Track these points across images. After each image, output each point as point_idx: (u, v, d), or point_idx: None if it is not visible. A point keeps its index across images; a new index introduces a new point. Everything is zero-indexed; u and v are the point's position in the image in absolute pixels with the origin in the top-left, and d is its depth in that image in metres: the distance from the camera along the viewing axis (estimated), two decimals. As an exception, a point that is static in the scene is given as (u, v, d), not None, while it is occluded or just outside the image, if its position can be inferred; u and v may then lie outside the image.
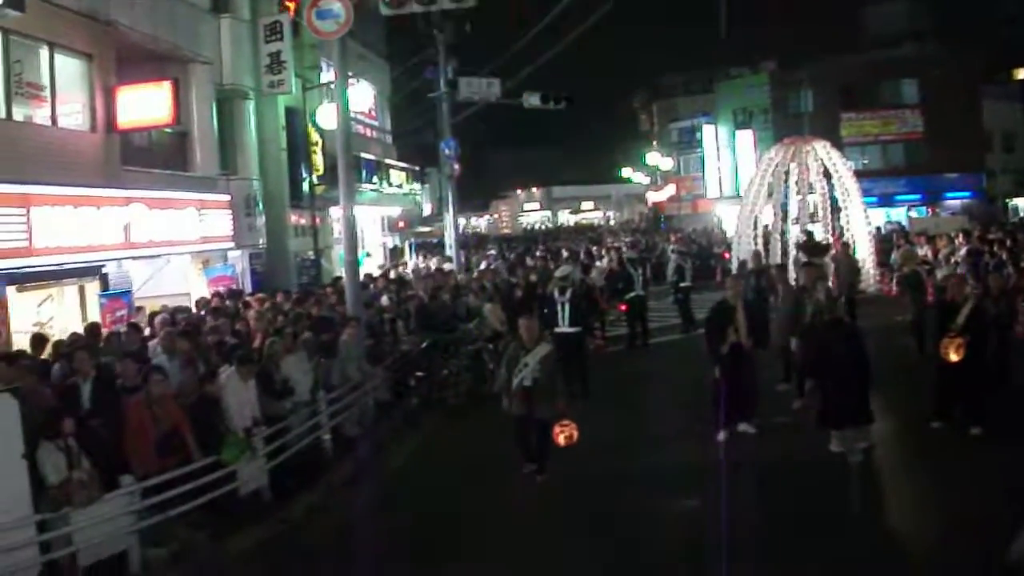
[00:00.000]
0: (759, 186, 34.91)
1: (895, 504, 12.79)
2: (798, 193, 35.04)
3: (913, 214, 60.92)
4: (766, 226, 35.51)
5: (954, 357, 14.73)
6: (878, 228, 42.60)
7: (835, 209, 34.85)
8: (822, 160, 34.10)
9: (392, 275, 30.58)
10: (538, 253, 42.90)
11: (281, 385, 15.30)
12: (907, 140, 65.24)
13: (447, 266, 34.30)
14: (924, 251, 31.76)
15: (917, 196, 64.15)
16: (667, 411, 18.17)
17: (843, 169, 34.72)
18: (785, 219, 35.60)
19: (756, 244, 34.18)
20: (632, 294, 26.99)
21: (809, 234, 33.24)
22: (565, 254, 38.10)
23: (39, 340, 16.56)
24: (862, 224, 34.38)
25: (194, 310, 20.84)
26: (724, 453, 14.34)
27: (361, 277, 23.13)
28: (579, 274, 26.25)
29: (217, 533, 12.51)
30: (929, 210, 62.25)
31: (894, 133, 65.34)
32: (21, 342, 17.57)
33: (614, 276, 28.75)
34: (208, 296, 22.91)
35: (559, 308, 20.98)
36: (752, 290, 21.02)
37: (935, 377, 15.42)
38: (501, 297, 24.88)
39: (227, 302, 21.40)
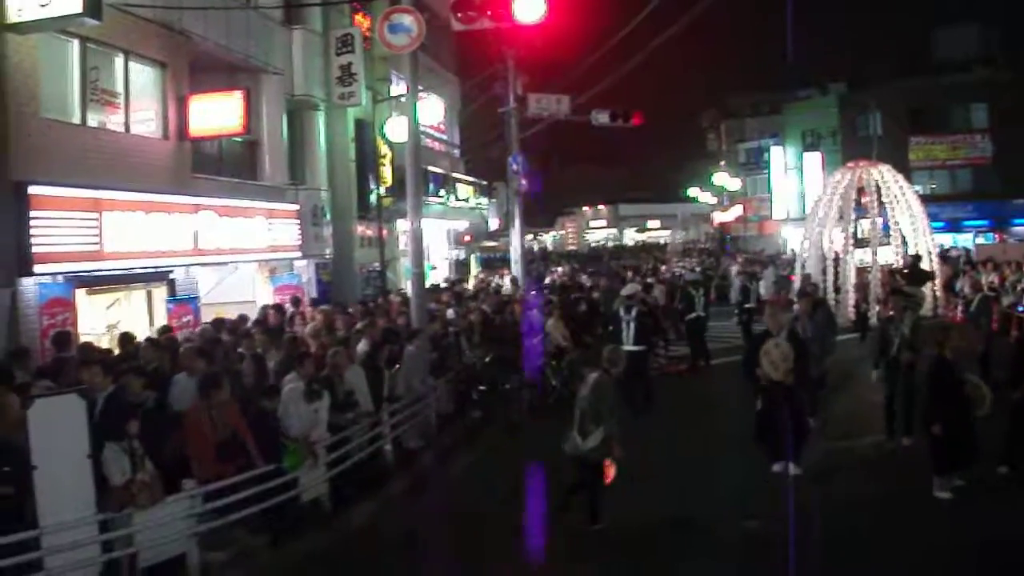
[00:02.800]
0: (825, 209, 34.59)
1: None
2: (863, 217, 34.76)
3: (980, 240, 60.25)
4: (837, 254, 35.06)
5: None
6: (945, 251, 42.06)
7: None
8: (889, 184, 33.75)
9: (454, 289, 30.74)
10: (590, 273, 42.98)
11: (344, 397, 15.32)
12: (975, 165, 64.55)
13: (506, 284, 34.42)
14: (990, 278, 31.33)
15: (985, 222, 63.55)
16: (721, 434, 17.58)
17: (910, 194, 34.37)
18: (859, 244, 35.32)
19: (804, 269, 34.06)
20: (692, 315, 26.92)
21: (916, 258, 32.84)
22: (630, 273, 37.96)
23: (126, 339, 16.83)
24: (928, 250, 33.93)
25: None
26: (778, 489, 13.80)
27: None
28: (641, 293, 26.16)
29: (276, 539, 12.61)
30: (997, 236, 61.54)
31: (962, 158, 64.79)
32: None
33: (674, 297, 28.83)
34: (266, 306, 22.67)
35: (624, 326, 21.03)
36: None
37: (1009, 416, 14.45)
38: (564, 313, 24.81)
39: (285, 312, 21.30)
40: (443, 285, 32.93)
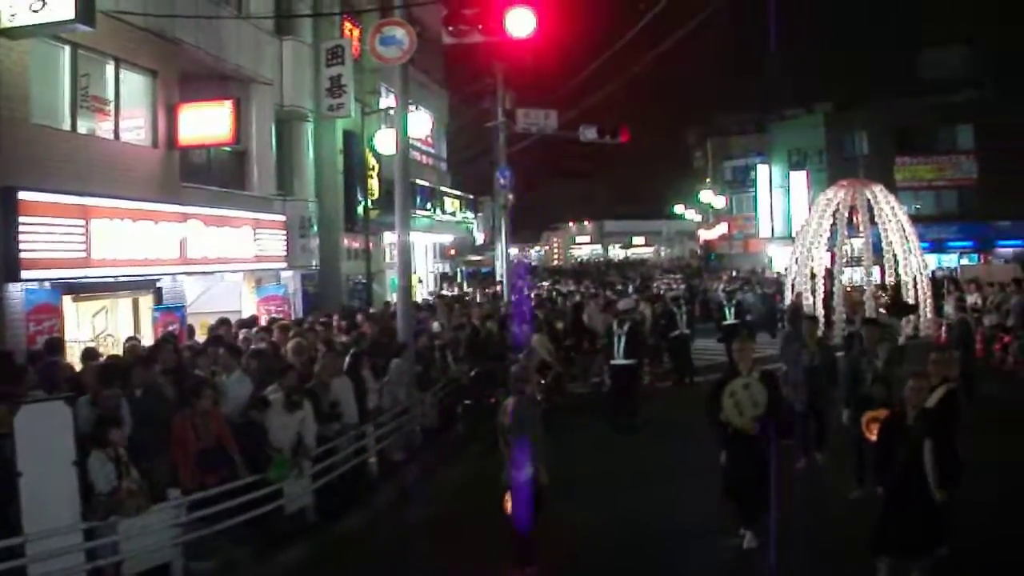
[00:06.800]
0: (816, 227, 34.57)
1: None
2: (855, 237, 34.87)
3: (965, 261, 60.40)
4: (827, 273, 34.88)
5: None
6: (933, 273, 42.10)
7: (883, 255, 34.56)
8: (881, 204, 33.76)
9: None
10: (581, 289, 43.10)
11: (329, 408, 15.30)
12: (961, 186, 64.68)
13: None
14: (974, 299, 31.41)
15: (969, 243, 63.66)
16: (695, 458, 15.28)
17: (901, 214, 34.41)
18: (849, 264, 35.43)
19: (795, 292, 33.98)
20: (675, 333, 27.04)
21: (896, 288, 32.78)
22: (619, 288, 38.09)
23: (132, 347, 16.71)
24: (919, 271, 33.94)
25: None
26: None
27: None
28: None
29: (260, 550, 12.57)
30: (981, 257, 61.73)
31: (948, 179, 64.74)
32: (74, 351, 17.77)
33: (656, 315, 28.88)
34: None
35: (616, 340, 21.11)
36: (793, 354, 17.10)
37: None
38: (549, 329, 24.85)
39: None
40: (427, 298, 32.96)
